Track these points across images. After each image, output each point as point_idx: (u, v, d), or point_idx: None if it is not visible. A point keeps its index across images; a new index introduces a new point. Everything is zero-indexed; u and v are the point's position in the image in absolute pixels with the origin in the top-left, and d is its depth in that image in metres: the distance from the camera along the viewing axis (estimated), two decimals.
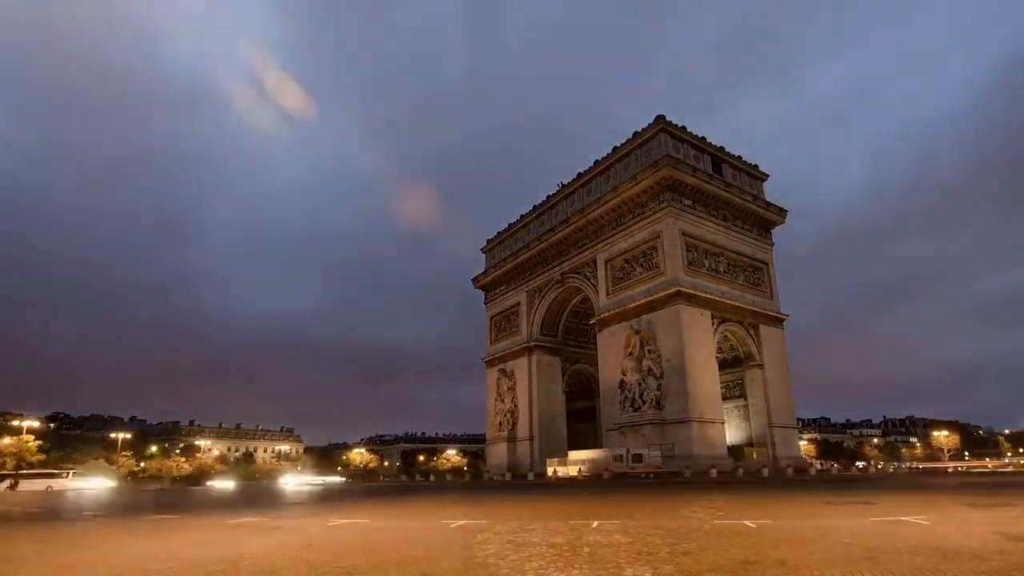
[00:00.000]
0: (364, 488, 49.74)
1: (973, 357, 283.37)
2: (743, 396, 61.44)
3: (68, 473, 60.88)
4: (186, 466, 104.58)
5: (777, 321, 63.86)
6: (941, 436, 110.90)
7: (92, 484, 59.53)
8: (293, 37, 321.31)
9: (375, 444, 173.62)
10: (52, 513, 22.81)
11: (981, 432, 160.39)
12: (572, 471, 56.59)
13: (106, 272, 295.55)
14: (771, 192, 69.89)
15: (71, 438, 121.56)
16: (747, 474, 47.94)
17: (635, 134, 63.79)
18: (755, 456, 56.54)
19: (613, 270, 63.81)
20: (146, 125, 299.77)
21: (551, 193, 77.16)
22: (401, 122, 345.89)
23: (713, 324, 57.40)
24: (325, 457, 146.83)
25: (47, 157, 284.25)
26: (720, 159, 65.11)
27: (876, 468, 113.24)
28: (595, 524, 12.37)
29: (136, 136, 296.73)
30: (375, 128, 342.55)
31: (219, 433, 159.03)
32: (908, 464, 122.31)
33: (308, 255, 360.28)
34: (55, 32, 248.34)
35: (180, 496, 40.11)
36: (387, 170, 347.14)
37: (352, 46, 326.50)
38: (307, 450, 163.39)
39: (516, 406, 77.55)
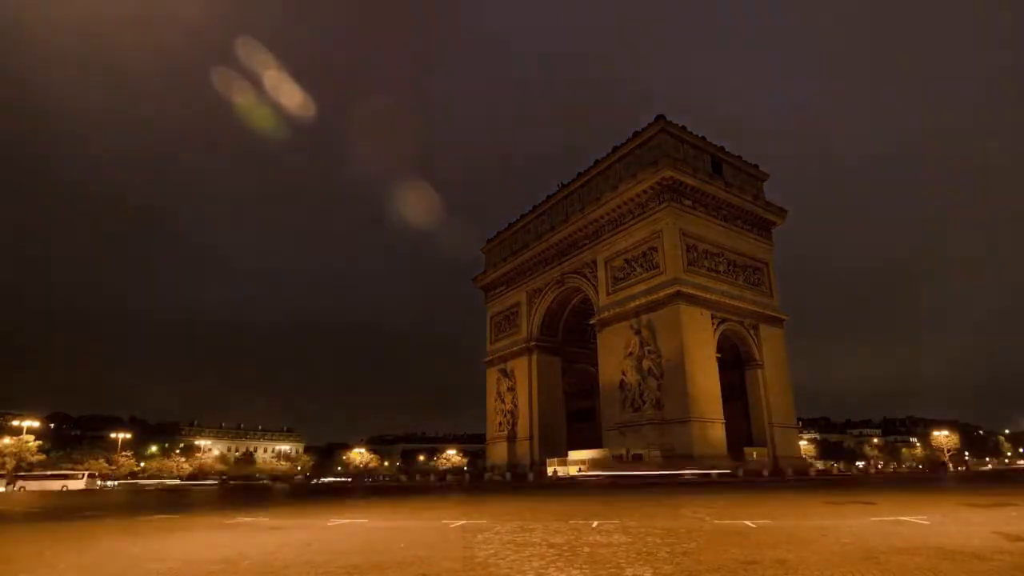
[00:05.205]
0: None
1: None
2: (743, 396, 61.38)
3: (83, 474, 60.85)
4: (186, 466, 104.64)
5: (777, 321, 63.84)
6: (941, 436, 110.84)
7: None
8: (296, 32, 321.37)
9: (375, 444, 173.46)
10: (52, 513, 22.81)
11: (981, 432, 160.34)
12: (572, 471, 56.59)
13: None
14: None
15: (71, 438, 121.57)
16: (747, 474, 47.92)
17: (635, 134, 63.72)
18: (755, 456, 56.48)
19: (613, 270, 63.76)
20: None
21: (551, 193, 77.13)
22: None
23: (713, 324, 57.36)
24: (325, 457, 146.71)
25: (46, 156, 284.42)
26: (720, 159, 65.07)
27: (877, 468, 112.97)
28: (595, 524, 12.37)
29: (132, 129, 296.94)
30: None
31: (219, 433, 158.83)
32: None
33: None
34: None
35: (181, 496, 40.11)
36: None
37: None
38: (307, 450, 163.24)
39: (516, 406, 77.50)
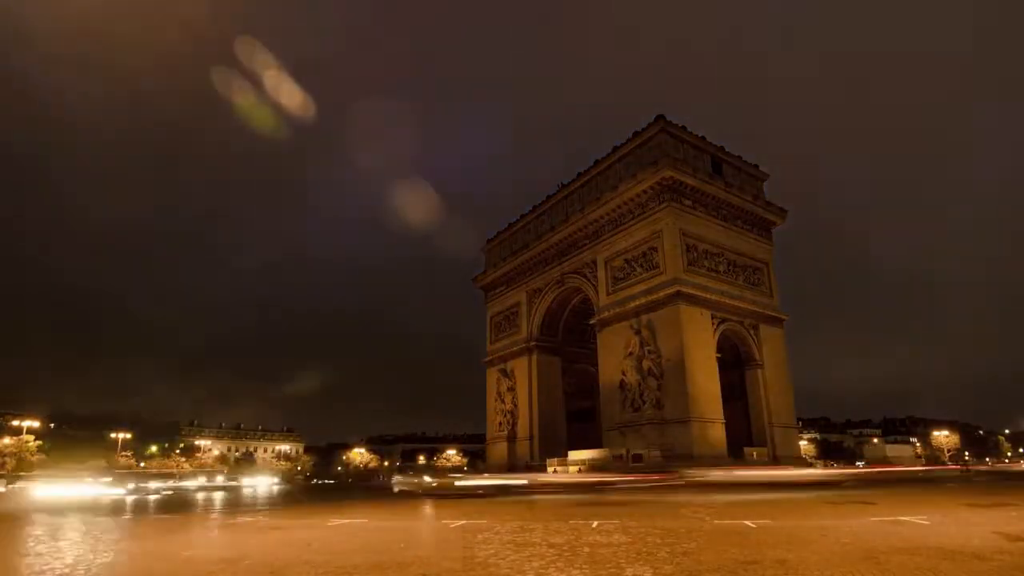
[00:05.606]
0: None
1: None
2: (743, 396, 61.32)
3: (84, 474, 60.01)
4: (186, 466, 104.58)
5: (777, 321, 63.81)
6: (941, 436, 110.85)
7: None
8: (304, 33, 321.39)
9: (375, 444, 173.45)
10: (52, 513, 22.80)
11: (981, 432, 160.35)
12: (572, 471, 56.54)
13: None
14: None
15: (71, 438, 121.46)
16: None
17: (635, 133, 63.68)
18: (755, 456, 56.40)
19: (613, 270, 63.75)
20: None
21: (551, 193, 77.10)
22: None
23: (713, 324, 57.33)
24: (325, 457, 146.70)
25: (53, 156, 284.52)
26: (720, 159, 65.03)
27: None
28: (595, 524, 12.37)
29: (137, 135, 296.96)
30: None
31: (219, 433, 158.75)
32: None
33: None
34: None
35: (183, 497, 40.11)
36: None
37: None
38: (307, 450, 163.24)
39: (516, 406, 77.46)
